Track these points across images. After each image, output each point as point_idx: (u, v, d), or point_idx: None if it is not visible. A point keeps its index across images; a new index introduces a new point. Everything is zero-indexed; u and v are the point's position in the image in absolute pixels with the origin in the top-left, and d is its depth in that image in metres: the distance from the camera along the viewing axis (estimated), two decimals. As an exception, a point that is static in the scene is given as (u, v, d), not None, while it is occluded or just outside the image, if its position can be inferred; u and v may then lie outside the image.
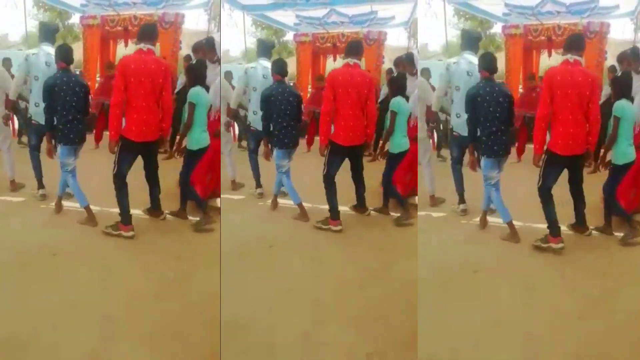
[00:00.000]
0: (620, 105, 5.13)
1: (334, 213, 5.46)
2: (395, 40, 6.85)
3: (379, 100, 6.24)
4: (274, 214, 5.84)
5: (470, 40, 6.00)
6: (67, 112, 5.34)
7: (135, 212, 5.23)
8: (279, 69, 5.92)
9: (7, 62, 6.23)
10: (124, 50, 6.98)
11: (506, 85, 5.54)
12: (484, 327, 3.87)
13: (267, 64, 6.22)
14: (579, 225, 5.27)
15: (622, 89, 5.20)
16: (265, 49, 6.48)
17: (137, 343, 3.64)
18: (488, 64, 5.37)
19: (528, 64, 7.14)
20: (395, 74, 6.10)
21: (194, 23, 6.69)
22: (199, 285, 4.33)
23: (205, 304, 4.06)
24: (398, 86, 5.72)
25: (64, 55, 5.53)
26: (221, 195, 5.48)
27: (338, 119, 5.46)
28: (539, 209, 4.99)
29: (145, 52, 5.18)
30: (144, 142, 5.17)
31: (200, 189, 5.38)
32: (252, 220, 5.75)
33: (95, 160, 5.71)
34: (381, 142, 5.87)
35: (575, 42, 5.10)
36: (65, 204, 5.55)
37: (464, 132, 5.55)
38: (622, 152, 5.13)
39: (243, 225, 5.53)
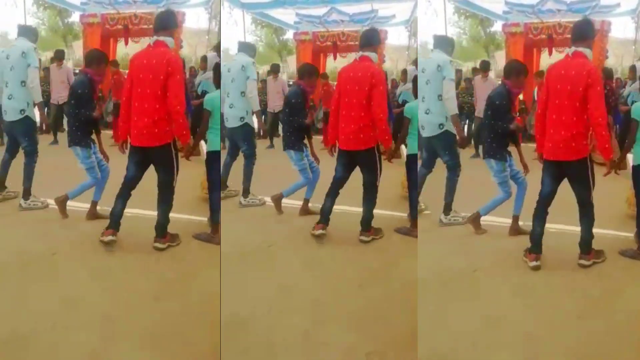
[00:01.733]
0: None
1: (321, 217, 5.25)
2: (396, 39, 6.84)
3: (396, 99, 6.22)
4: (273, 214, 5.83)
5: (440, 42, 5.74)
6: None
7: (134, 211, 5.23)
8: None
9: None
10: (124, 48, 6.99)
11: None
12: (483, 327, 3.87)
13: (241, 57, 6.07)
14: (582, 252, 4.62)
15: None
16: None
17: (137, 343, 3.64)
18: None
19: (529, 62, 7.12)
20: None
21: (195, 21, 6.69)
22: (199, 285, 4.33)
23: (205, 304, 4.06)
24: None
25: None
26: (221, 196, 5.48)
27: (340, 119, 5.08)
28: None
29: (153, 46, 4.63)
30: (145, 147, 4.68)
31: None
32: (252, 220, 5.75)
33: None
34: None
35: (576, 31, 4.55)
36: (67, 202, 5.56)
37: (421, 134, 5.45)
38: None
39: (243, 225, 5.53)
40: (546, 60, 7.19)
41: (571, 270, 4.61)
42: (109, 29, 6.92)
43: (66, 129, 5.29)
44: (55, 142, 6.56)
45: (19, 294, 4.15)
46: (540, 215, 4.70)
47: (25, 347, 3.55)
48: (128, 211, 5.18)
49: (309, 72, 5.82)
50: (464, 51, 6.98)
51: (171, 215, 4.92)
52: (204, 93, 5.87)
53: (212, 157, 5.20)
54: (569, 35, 6.86)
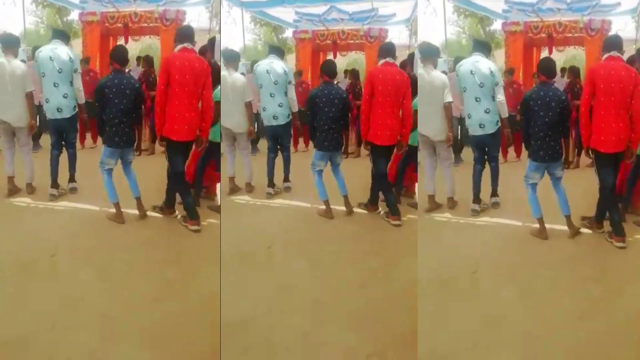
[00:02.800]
0: None
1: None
2: (397, 38, 6.83)
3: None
4: (274, 214, 5.83)
5: (478, 46, 5.98)
6: (114, 114, 5.29)
7: (134, 211, 5.25)
8: (328, 69, 5.95)
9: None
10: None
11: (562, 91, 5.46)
12: (483, 327, 3.88)
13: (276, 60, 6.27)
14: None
15: None
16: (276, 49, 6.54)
17: (137, 343, 3.65)
18: (545, 68, 5.34)
19: (528, 61, 7.12)
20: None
21: (195, 20, 6.67)
22: (199, 286, 4.33)
23: (205, 304, 4.07)
24: None
25: (117, 55, 5.51)
26: (221, 195, 5.49)
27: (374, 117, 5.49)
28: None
29: (189, 50, 5.17)
30: (186, 142, 5.20)
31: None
32: (252, 220, 5.75)
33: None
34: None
35: (613, 41, 5.21)
36: (67, 203, 5.55)
37: (474, 132, 5.70)
38: None
39: (243, 225, 5.52)
40: (546, 59, 7.17)
41: (571, 270, 4.62)
42: (108, 27, 6.90)
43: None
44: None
45: (19, 294, 4.14)
46: (614, 200, 5.07)
47: (25, 347, 3.56)
48: (128, 211, 5.21)
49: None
50: (463, 50, 6.96)
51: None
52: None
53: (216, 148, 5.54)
54: (569, 34, 6.92)
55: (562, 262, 4.76)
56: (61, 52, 5.75)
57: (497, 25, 7.15)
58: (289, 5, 7.06)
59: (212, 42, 5.86)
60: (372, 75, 5.56)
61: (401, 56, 6.74)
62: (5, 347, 3.55)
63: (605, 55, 5.06)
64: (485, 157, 5.78)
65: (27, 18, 6.62)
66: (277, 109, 6.14)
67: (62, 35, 5.98)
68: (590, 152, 5.05)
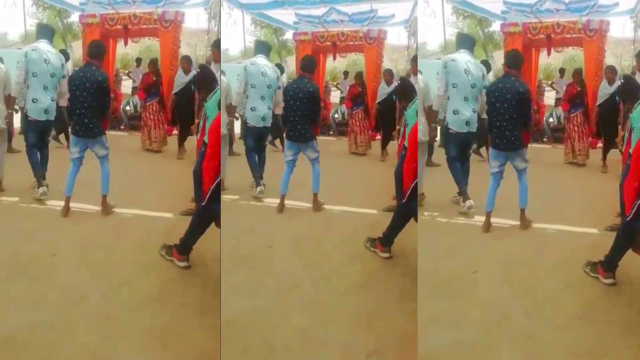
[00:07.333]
0: None
1: None
2: (396, 39, 6.84)
3: (378, 100, 6.49)
4: (273, 214, 5.83)
5: (465, 41, 5.95)
6: (81, 105, 5.34)
7: (134, 211, 5.25)
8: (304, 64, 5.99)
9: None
10: (123, 48, 6.99)
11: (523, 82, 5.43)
12: (483, 327, 3.88)
13: (265, 61, 6.23)
14: None
15: (630, 95, 5.00)
16: (263, 47, 6.47)
17: (137, 343, 3.64)
18: (510, 60, 5.45)
19: (527, 62, 7.12)
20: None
21: (194, 22, 6.69)
22: (199, 285, 4.34)
23: (205, 304, 4.06)
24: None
25: (91, 49, 5.57)
26: (221, 195, 5.47)
27: None
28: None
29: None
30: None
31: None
32: (251, 220, 5.74)
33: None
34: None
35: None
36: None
37: (460, 129, 5.64)
38: None
39: (243, 225, 5.51)
40: (544, 60, 7.19)
41: (571, 270, 4.62)
42: (108, 29, 6.92)
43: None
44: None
45: (19, 294, 4.14)
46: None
47: (25, 347, 3.55)
48: (128, 211, 5.20)
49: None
50: (463, 51, 6.97)
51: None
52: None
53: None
54: (568, 35, 6.95)
55: (562, 261, 4.75)
56: (55, 57, 5.76)
57: (495, 26, 7.15)
58: (289, 7, 7.07)
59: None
60: None
61: (401, 57, 6.78)
62: (5, 347, 3.55)
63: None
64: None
65: (27, 20, 6.63)
66: (266, 112, 6.10)
67: (48, 32, 5.98)
68: None
